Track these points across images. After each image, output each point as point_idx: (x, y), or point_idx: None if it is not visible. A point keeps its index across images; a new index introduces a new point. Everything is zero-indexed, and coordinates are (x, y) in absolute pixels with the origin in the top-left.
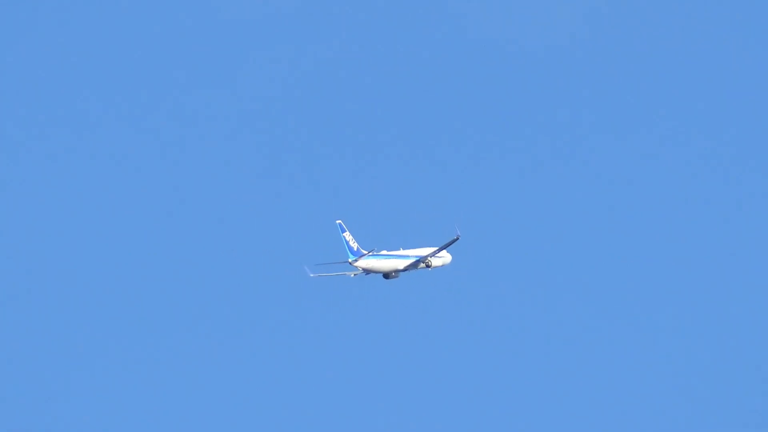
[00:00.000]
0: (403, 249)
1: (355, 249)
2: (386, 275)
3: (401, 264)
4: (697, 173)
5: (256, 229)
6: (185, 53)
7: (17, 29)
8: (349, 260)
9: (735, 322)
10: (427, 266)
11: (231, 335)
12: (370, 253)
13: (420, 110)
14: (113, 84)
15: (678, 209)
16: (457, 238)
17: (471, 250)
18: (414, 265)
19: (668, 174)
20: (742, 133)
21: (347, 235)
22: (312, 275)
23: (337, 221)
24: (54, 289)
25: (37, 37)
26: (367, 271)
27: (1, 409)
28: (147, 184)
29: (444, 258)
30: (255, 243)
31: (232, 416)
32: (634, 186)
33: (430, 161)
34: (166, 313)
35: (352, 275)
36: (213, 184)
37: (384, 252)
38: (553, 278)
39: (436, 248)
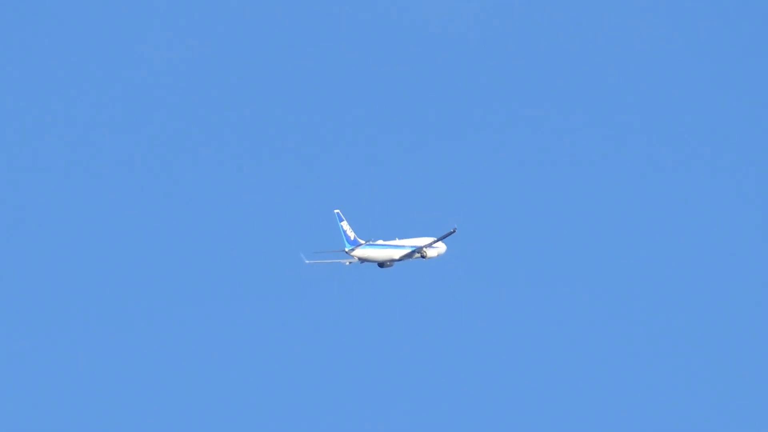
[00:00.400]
0: (399, 239)
1: (352, 238)
2: (381, 264)
3: (397, 254)
4: (666, 166)
5: (258, 216)
6: (183, 47)
7: None
8: (346, 249)
9: (733, 322)
10: (423, 257)
11: (226, 320)
12: (367, 243)
13: (418, 101)
14: (111, 83)
15: (671, 204)
16: (454, 231)
17: (466, 241)
18: (409, 255)
19: (658, 171)
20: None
21: (345, 225)
22: (307, 261)
23: (335, 210)
24: (48, 285)
25: None
26: (362, 260)
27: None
28: (142, 175)
29: (439, 248)
30: (255, 230)
31: (224, 402)
32: (631, 185)
33: (428, 152)
34: (160, 299)
35: (347, 263)
36: (211, 171)
37: (380, 242)
38: (548, 270)
39: (432, 239)
